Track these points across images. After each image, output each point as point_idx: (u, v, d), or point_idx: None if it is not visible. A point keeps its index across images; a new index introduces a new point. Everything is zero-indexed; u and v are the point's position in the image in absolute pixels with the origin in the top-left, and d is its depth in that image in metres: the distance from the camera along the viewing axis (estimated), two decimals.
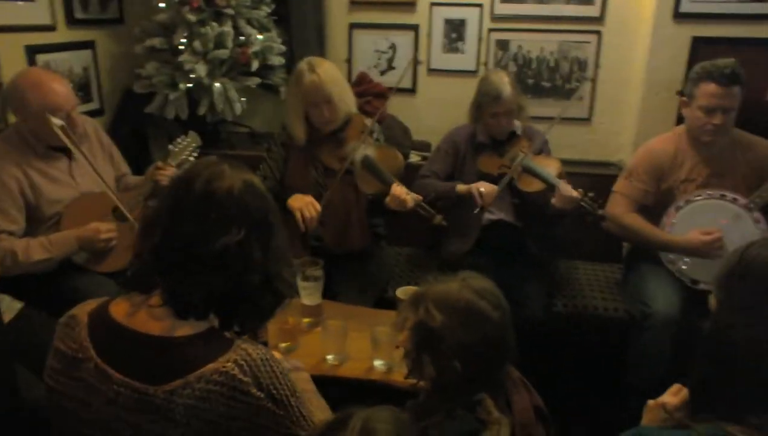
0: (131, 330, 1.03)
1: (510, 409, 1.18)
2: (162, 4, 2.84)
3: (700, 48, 2.72)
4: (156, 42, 2.85)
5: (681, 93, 2.71)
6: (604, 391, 2.42)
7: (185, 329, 1.04)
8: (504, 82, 2.36)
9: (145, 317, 1.05)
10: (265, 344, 1.66)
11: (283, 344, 1.75)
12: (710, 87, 2.23)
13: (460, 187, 2.39)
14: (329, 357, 1.72)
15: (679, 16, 2.70)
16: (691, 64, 2.71)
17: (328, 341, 1.73)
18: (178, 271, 1.02)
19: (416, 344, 1.21)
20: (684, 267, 2.28)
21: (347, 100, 2.35)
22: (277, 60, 3.01)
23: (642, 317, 2.25)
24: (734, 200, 2.27)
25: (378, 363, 1.69)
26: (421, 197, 2.22)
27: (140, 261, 1.08)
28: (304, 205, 2.19)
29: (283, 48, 3.03)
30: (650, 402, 1.21)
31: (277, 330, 1.74)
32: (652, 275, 2.34)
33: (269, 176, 2.38)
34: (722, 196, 2.29)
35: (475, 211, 2.34)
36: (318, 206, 2.21)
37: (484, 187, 2.31)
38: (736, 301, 0.94)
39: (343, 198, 2.29)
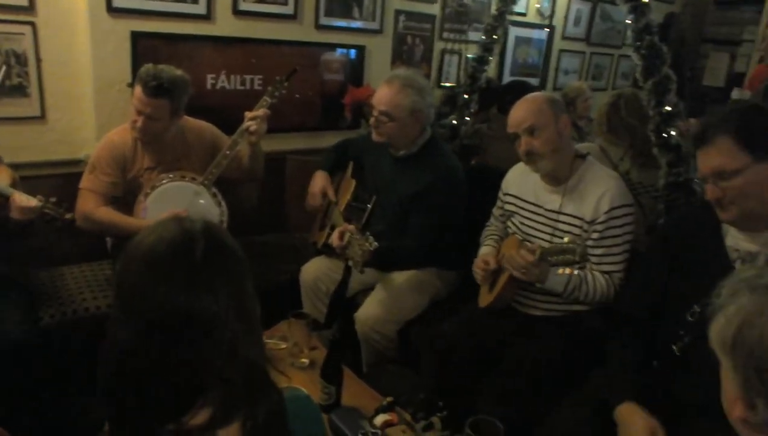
0: None
1: None
2: None
3: (139, 42, 2.81)
4: None
5: (131, 85, 2.80)
6: None
7: None
8: None
9: None
10: None
11: None
12: (138, 90, 2.35)
13: None
14: None
15: (114, 11, 2.71)
16: (134, 57, 2.80)
17: None
18: None
19: None
20: None
21: None
22: None
23: None
24: (193, 179, 2.51)
25: None
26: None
27: None
28: None
29: None
30: None
31: None
32: None
33: None
34: (182, 178, 2.50)
35: None
36: None
37: None
38: None
39: None
